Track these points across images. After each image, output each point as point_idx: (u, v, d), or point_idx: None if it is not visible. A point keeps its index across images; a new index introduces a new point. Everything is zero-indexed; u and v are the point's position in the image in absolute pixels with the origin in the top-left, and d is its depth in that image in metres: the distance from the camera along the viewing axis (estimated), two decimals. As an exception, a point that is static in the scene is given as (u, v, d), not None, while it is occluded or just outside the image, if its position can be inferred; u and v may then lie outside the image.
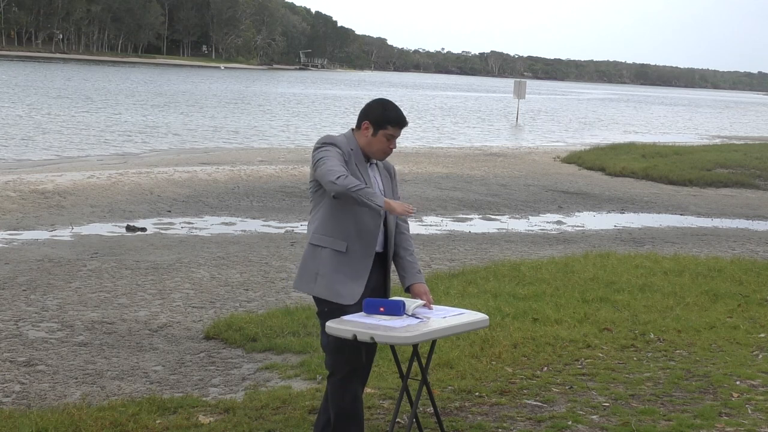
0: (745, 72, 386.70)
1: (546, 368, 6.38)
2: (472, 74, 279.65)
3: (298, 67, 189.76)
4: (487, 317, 4.68)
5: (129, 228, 13.48)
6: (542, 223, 16.13)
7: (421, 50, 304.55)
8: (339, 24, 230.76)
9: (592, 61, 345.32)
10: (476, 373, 6.18)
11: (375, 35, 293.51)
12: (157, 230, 13.62)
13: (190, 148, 27.79)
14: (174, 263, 10.73)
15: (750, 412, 5.52)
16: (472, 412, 5.45)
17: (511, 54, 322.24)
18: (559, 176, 22.85)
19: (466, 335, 6.72)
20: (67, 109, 40.83)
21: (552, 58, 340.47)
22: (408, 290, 4.65)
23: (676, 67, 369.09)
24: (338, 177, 4.19)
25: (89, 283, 9.50)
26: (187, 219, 14.80)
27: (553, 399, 5.72)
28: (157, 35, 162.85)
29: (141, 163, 22.38)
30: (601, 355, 6.76)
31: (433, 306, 4.57)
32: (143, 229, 13.50)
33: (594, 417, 5.41)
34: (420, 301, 4.50)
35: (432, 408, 4.86)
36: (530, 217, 16.74)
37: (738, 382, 6.11)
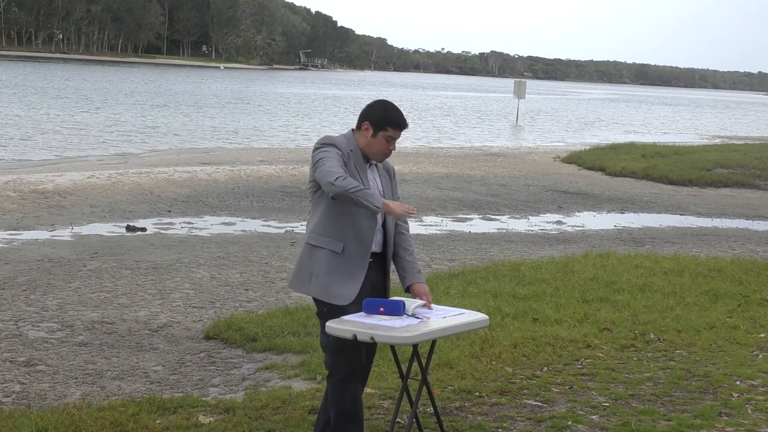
0: (745, 72, 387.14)
1: (546, 368, 6.38)
2: (472, 74, 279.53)
3: (298, 67, 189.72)
4: (487, 317, 4.68)
5: (129, 228, 13.48)
6: (542, 223, 16.12)
7: (421, 50, 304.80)
8: (339, 24, 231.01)
9: (592, 61, 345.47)
10: (476, 373, 6.18)
11: (375, 35, 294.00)
12: (157, 230, 13.62)
13: (190, 148, 27.78)
14: (174, 263, 10.73)
15: (750, 412, 5.52)
16: (472, 412, 5.45)
17: (511, 54, 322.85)
18: (559, 176, 22.85)
19: (466, 335, 6.72)
20: (66, 109, 40.81)
21: (552, 58, 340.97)
22: (408, 290, 4.65)
23: (676, 67, 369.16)
24: (337, 178, 4.20)
25: (89, 283, 9.50)
26: (187, 219, 14.80)
27: (553, 399, 5.72)
28: (157, 35, 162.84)
29: (141, 163, 22.38)
30: (601, 355, 6.76)
31: (433, 306, 4.57)
32: (143, 229, 13.50)
33: (594, 417, 5.41)
34: (420, 301, 4.50)
35: (432, 408, 4.86)
36: (530, 217, 16.74)
37: (738, 382, 6.11)
